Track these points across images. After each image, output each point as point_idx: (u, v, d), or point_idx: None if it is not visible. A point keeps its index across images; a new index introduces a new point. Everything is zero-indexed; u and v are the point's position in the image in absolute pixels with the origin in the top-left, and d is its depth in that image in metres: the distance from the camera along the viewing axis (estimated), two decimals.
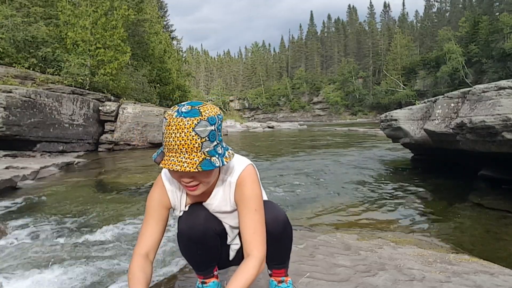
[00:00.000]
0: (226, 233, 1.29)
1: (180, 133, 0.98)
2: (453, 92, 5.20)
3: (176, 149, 0.99)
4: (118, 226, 3.12)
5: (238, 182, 1.15)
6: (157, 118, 11.76)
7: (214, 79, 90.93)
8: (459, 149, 4.86)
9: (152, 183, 1.24)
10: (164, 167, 0.99)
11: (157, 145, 11.69)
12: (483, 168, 5.05)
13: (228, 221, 1.25)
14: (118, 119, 11.24)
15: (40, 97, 8.37)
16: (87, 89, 11.18)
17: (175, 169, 0.97)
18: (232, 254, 1.34)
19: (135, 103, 12.47)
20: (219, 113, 1.06)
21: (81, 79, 11.12)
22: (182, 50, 32.26)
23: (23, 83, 9.36)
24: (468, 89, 4.71)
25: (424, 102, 6.20)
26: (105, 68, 12.09)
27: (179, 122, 0.98)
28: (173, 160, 0.99)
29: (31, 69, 10.38)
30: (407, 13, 77.80)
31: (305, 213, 3.65)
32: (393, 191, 4.67)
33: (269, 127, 30.63)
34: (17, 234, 2.95)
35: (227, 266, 1.41)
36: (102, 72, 11.99)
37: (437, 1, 68.98)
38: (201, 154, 0.99)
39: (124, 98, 13.16)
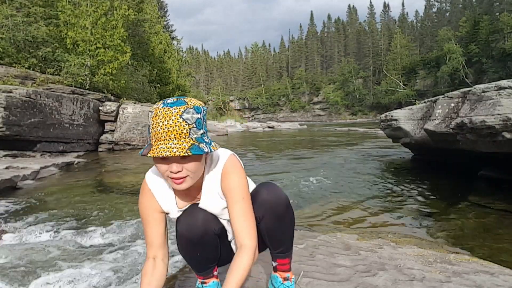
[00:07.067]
0: (225, 232, 1.28)
1: (168, 121, 0.99)
2: (453, 92, 5.20)
3: (164, 137, 0.99)
4: (118, 226, 3.12)
5: (223, 172, 1.16)
6: None
7: (214, 79, 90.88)
8: (459, 149, 4.86)
9: None
10: (153, 155, 0.99)
11: None
12: (483, 168, 5.05)
13: (226, 216, 1.24)
14: (118, 119, 11.23)
15: (40, 97, 8.36)
16: (87, 89, 11.16)
17: (164, 155, 0.97)
18: (235, 249, 1.34)
19: (135, 103, 12.46)
20: (203, 105, 1.09)
21: (81, 79, 11.11)
22: (182, 50, 32.27)
23: (23, 83, 9.35)
24: (468, 89, 4.71)
25: (424, 102, 6.20)
26: (105, 68, 12.08)
27: (166, 111, 1.00)
28: (162, 147, 0.99)
29: (31, 69, 10.36)
30: (407, 13, 78.03)
31: (305, 213, 3.65)
32: (393, 191, 4.67)
33: (269, 127, 30.56)
34: (17, 234, 2.95)
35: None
36: (102, 72, 11.98)
37: (437, 1, 68.98)
38: (189, 139, 1.01)
39: (124, 98, 13.15)
